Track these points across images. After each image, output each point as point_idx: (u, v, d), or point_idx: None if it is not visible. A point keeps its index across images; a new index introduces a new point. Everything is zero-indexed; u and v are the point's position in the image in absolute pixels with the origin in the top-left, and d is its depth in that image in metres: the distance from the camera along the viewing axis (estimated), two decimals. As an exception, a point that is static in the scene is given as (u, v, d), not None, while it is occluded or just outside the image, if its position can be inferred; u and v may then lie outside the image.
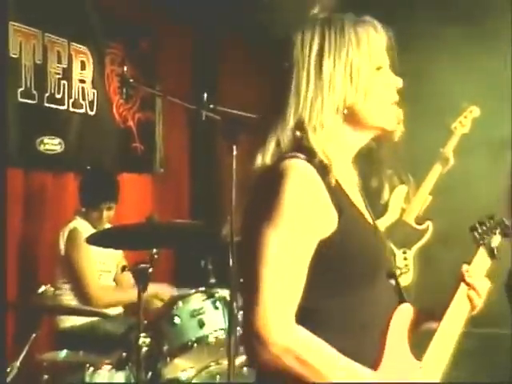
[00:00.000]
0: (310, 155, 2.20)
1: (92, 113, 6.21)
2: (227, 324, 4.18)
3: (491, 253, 2.51)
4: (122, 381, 4.31)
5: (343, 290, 2.21)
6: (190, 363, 4.67)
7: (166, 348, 4.52)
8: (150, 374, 4.43)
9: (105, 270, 5.32)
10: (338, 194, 2.21)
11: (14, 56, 5.31)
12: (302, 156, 2.19)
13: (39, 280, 5.13)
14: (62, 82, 5.84)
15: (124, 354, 4.35)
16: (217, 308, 4.58)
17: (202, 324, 4.53)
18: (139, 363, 4.09)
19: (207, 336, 4.53)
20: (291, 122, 2.24)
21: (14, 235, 5.27)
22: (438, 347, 2.32)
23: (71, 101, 5.95)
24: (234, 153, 3.97)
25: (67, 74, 5.90)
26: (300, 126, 2.23)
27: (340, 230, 2.16)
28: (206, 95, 4.17)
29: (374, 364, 2.19)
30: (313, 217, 2.13)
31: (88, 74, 6.17)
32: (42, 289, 4.24)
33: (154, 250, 4.17)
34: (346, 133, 2.30)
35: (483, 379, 6.17)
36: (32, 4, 5.47)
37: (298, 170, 2.17)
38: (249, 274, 2.16)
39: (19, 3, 5.31)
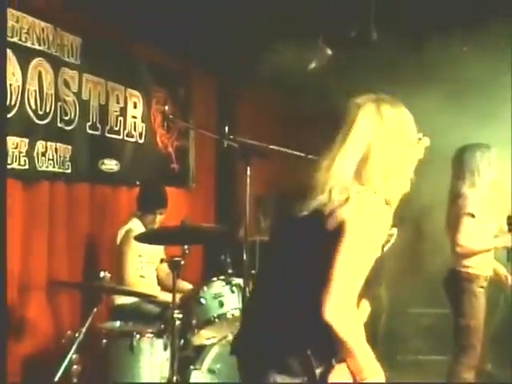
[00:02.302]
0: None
1: (141, 141, 6.25)
2: (241, 304, 4.20)
3: None
4: (161, 346, 4.30)
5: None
6: (212, 334, 4.71)
7: (194, 322, 4.54)
8: (182, 341, 4.46)
9: (149, 262, 5.24)
10: None
11: (84, 99, 5.35)
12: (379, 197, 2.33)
13: (100, 267, 5.07)
14: (119, 118, 5.89)
15: (162, 326, 4.36)
16: (233, 292, 4.59)
17: (221, 304, 4.55)
18: (174, 333, 4.14)
19: (226, 313, 4.55)
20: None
21: (82, 233, 5.36)
22: None
23: (125, 132, 6.00)
24: (248, 173, 4.04)
25: (123, 111, 5.95)
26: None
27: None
28: (227, 128, 4.23)
29: None
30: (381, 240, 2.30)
31: (139, 112, 6.20)
32: (102, 274, 4.33)
33: (186, 247, 4.23)
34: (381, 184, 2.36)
35: (438, 350, 6.24)
36: (99, 60, 5.51)
37: (385, 208, 2.31)
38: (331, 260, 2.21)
39: (90, 60, 5.37)
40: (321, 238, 2.27)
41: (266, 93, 7.41)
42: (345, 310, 2.18)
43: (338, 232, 2.23)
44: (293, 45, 6.64)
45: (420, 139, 4.46)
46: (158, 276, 5.44)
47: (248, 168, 4.02)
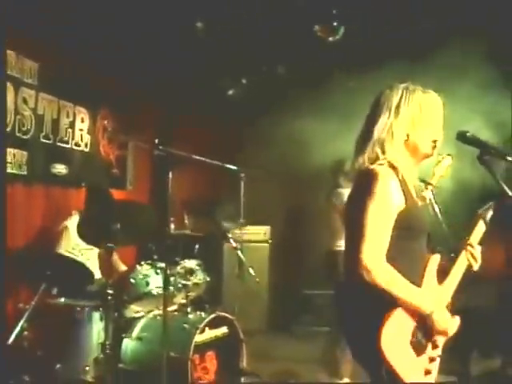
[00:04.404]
0: (389, 162, 2.44)
1: (86, 149, 6.27)
2: (163, 284, 4.18)
3: (486, 223, 2.68)
4: (98, 318, 4.37)
5: (406, 239, 2.41)
6: (140, 308, 4.79)
7: (125, 298, 4.62)
8: (116, 314, 4.50)
9: (87, 248, 5.09)
10: (404, 187, 2.42)
11: (40, 113, 5.42)
12: (386, 163, 2.44)
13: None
14: (69, 130, 5.94)
15: (98, 301, 4.40)
16: (157, 274, 4.65)
17: (148, 283, 4.61)
18: (108, 307, 4.22)
19: (151, 291, 4.62)
20: (383, 145, 2.47)
21: (37, 226, 5.40)
22: (448, 283, 2.53)
23: (74, 142, 6.03)
24: (170, 176, 4.10)
25: (72, 125, 5.99)
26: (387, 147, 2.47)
27: (406, 208, 2.39)
28: (156, 140, 4.23)
29: (419, 284, 2.42)
30: (393, 199, 2.36)
31: (85, 126, 6.23)
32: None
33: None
34: (409, 153, 2.51)
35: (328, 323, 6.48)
36: (53, 82, 5.57)
37: (386, 174, 2.39)
38: (355, 230, 2.33)
39: (45, 81, 5.44)
40: None
41: (196, 111, 7.61)
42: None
43: None
44: (216, 76, 6.91)
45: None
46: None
47: (170, 172, 4.12)
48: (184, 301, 4.89)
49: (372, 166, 2.45)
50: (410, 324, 2.37)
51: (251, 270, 5.29)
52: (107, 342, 4.18)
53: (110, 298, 4.20)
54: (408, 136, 2.51)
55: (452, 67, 5.47)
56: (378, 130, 2.51)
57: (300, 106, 6.36)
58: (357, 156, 2.54)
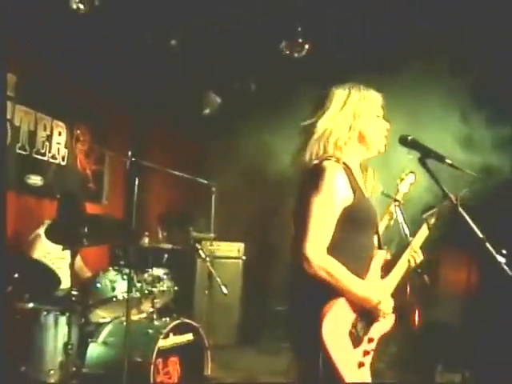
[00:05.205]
0: (336, 157, 2.46)
1: (63, 163, 6.31)
2: (127, 287, 4.29)
3: (429, 228, 2.75)
4: (64, 321, 4.34)
5: (353, 233, 2.44)
6: (106, 313, 4.79)
7: (91, 302, 4.63)
8: (82, 319, 4.56)
9: (58, 257, 5.11)
10: (353, 182, 2.46)
11: (16, 124, 5.52)
12: (333, 158, 2.45)
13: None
14: (46, 143, 6.00)
15: (65, 306, 4.35)
16: (124, 279, 4.63)
17: (114, 288, 4.62)
18: (74, 311, 4.31)
19: (117, 295, 4.63)
20: (329, 139, 2.49)
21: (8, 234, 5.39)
22: (391, 278, 2.57)
23: (50, 154, 6.09)
24: (136, 182, 4.25)
25: (49, 138, 6.06)
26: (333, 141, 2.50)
27: (354, 202, 2.42)
28: (130, 152, 4.37)
29: (362, 277, 2.44)
30: (339, 193, 2.39)
31: (62, 139, 6.27)
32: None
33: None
34: (357, 147, 2.56)
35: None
36: (30, 95, 5.67)
37: (332, 168, 2.41)
38: (300, 222, 2.38)
39: (22, 94, 5.54)
40: None
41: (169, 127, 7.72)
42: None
43: None
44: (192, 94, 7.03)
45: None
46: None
47: (136, 180, 4.25)
48: (152, 309, 4.91)
49: (318, 162, 2.46)
50: (351, 315, 2.40)
51: (222, 286, 5.30)
52: (70, 342, 4.25)
53: (74, 300, 4.30)
54: (354, 129, 2.55)
55: (420, 82, 5.59)
56: (323, 126, 2.52)
57: (269, 120, 6.48)
58: (301, 152, 2.55)
